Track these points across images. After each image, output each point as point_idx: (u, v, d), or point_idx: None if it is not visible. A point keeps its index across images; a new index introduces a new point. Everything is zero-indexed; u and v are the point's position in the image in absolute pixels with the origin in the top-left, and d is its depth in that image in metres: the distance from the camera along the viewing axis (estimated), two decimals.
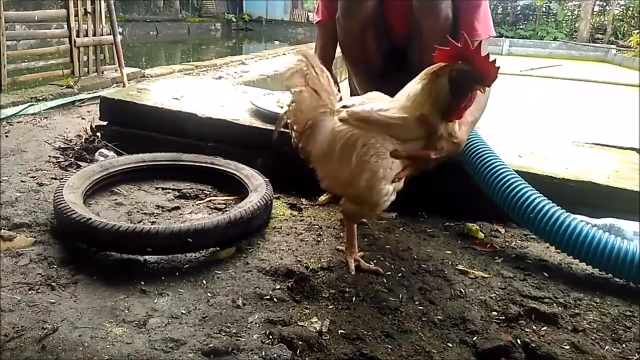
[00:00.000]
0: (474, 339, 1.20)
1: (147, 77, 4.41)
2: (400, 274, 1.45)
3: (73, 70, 3.81)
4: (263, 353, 1.09)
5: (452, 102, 1.33)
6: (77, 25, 3.79)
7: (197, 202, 1.84)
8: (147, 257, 1.43)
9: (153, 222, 1.66)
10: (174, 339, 1.12)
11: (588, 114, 5.68)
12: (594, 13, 16.05)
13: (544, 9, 16.45)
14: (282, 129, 2.02)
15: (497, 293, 1.39)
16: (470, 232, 1.73)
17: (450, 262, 1.54)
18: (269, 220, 1.72)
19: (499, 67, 1.27)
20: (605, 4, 16.25)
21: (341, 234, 1.67)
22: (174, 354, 1.08)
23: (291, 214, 1.82)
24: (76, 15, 3.77)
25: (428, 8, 1.66)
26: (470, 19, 1.71)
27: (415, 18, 1.71)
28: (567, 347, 1.19)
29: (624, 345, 1.21)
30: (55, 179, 1.96)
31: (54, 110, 3.10)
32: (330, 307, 1.28)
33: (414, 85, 1.37)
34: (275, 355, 1.08)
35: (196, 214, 1.75)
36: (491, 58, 1.27)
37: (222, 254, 1.48)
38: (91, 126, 2.50)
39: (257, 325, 1.19)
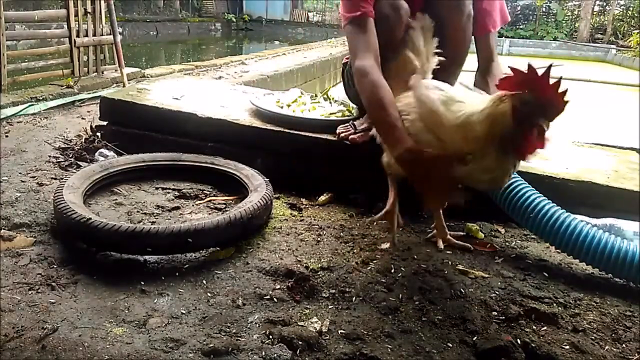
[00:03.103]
0: (474, 339, 1.20)
1: (147, 77, 4.41)
2: (400, 274, 1.45)
3: (73, 70, 3.81)
4: (263, 353, 1.09)
5: (515, 134, 1.24)
6: (77, 25, 3.79)
7: (197, 202, 1.84)
8: (147, 257, 1.43)
9: (153, 222, 1.66)
10: (174, 339, 1.12)
11: (588, 114, 5.68)
12: (594, 13, 16.05)
13: (544, 9, 16.44)
14: (281, 129, 2.03)
15: (497, 293, 1.39)
16: (470, 232, 1.73)
17: (450, 262, 1.54)
18: (269, 220, 1.72)
19: (567, 101, 1.17)
20: (605, 4, 16.24)
21: (341, 234, 1.67)
22: (174, 354, 1.08)
23: (291, 214, 1.82)
24: (76, 15, 3.76)
25: (453, 6, 1.70)
26: (491, 10, 1.78)
27: (439, 14, 1.72)
28: (567, 347, 1.19)
29: (624, 345, 1.21)
30: (55, 179, 1.96)
31: (54, 110, 3.10)
32: (330, 307, 1.28)
33: (479, 105, 1.33)
34: (275, 355, 1.08)
35: (196, 214, 1.75)
36: (562, 87, 1.17)
37: (222, 254, 1.48)
38: (91, 126, 2.50)
39: (257, 325, 1.19)
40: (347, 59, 2.00)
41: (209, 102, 2.35)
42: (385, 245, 1.61)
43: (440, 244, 1.62)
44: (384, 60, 1.62)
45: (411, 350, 1.15)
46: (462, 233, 1.72)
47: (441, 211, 1.63)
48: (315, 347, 1.12)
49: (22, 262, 1.38)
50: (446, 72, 1.69)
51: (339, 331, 1.19)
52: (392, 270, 1.47)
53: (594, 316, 1.32)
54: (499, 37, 13.53)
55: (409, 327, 1.22)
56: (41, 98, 3.24)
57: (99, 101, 2.43)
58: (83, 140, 2.40)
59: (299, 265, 1.44)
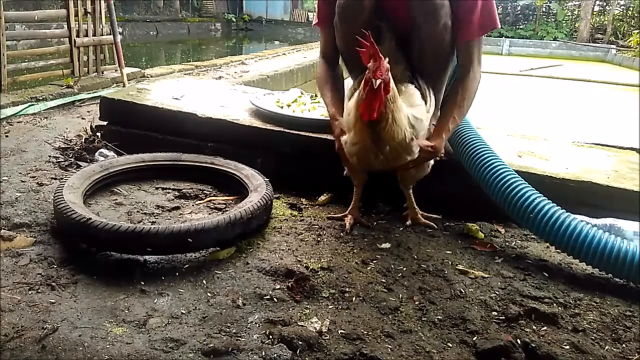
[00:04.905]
0: (474, 339, 1.20)
1: (147, 77, 4.41)
2: (400, 274, 1.45)
3: (73, 70, 3.81)
4: (263, 353, 1.09)
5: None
6: (77, 25, 3.79)
7: (197, 202, 1.84)
8: (147, 257, 1.43)
9: (153, 222, 1.66)
10: (174, 339, 1.12)
11: (588, 114, 5.68)
12: (594, 13, 16.04)
13: (544, 9, 16.43)
14: (281, 129, 2.03)
15: (497, 293, 1.39)
16: (470, 232, 1.73)
17: (450, 262, 1.54)
18: (269, 220, 1.72)
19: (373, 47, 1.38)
20: (605, 4, 16.24)
21: (341, 234, 1.68)
22: (174, 354, 1.08)
23: (291, 214, 1.82)
24: (76, 15, 3.76)
25: (427, 15, 1.66)
26: (469, 19, 1.71)
27: (415, 23, 1.70)
28: (567, 347, 1.19)
29: (624, 345, 1.21)
30: (55, 179, 1.96)
31: (54, 110, 3.10)
32: (330, 307, 1.28)
33: None
34: (275, 355, 1.08)
35: (196, 214, 1.75)
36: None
37: (222, 254, 1.48)
38: (91, 126, 2.50)
39: (257, 325, 1.19)
40: None
41: (209, 102, 2.35)
42: (386, 245, 1.61)
43: (409, 221, 1.80)
44: (354, 52, 1.67)
45: (411, 350, 1.15)
46: (436, 216, 1.84)
47: (411, 193, 1.80)
48: (315, 347, 1.13)
49: (22, 262, 1.38)
50: (430, 80, 1.72)
51: (339, 331, 1.19)
52: (392, 270, 1.47)
53: (594, 316, 1.32)
54: (498, 37, 13.56)
55: (409, 327, 1.22)
56: (41, 98, 3.24)
57: (99, 101, 2.43)
58: (83, 140, 2.40)
59: (299, 265, 1.44)
